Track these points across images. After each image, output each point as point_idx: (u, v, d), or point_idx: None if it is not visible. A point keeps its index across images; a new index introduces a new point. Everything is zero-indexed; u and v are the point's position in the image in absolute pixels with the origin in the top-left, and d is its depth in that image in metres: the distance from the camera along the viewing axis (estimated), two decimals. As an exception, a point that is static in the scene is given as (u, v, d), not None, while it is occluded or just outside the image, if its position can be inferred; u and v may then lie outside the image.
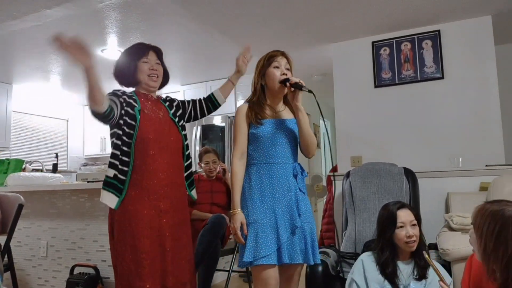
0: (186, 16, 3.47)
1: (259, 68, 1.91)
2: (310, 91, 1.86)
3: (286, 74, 1.87)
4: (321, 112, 2.09)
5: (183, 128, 2.07)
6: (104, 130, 6.78)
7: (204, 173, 3.23)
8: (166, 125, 1.96)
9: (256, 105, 1.88)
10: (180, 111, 2.10)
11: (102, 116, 1.79)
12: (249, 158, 1.86)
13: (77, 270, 2.86)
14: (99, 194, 2.87)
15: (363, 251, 2.29)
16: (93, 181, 2.85)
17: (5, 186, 3.21)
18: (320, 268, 2.16)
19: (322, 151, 7.25)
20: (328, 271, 2.23)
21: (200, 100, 2.21)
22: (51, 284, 3.09)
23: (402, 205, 2.03)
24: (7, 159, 3.70)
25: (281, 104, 1.94)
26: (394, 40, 3.82)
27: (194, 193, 2.12)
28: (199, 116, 2.20)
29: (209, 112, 2.22)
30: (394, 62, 3.81)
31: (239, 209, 1.77)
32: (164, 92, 2.14)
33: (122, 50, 4.38)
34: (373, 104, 3.85)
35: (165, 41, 3.96)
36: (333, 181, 3.14)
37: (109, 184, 1.84)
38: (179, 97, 5.52)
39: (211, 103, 2.22)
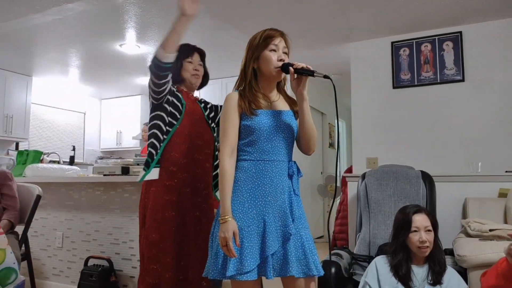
0: (203, 13, 3.47)
1: (252, 49, 1.62)
2: (326, 76, 1.58)
3: (283, 60, 1.60)
4: (336, 105, 1.82)
5: (214, 130, 2.15)
6: (120, 124, 6.86)
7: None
8: (201, 124, 2.05)
9: (248, 92, 1.60)
10: (213, 113, 2.17)
11: (161, 66, 1.80)
12: (239, 154, 1.58)
13: (91, 262, 2.90)
14: (115, 187, 2.93)
15: (377, 254, 2.27)
16: (109, 175, 2.87)
17: (24, 176, 3.27)
18: (333, 270, 2.15)
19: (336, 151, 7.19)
20: (341, 273, 2.21)
21: None
22: (65, 274, 3.14)
23: (419, 210, 2.00)
24: (26, 150, 3.77)
25: (275, 92, 1.67)
26: (414, 41, 3.77)
27: (218, 194, 2.16)
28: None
29: None
30: (413, 63, 3.75)
31: (230, 216, 1.46)
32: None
33: (140, 45, 4.44)
34: (391, 105, 3.80)
35: (183, 36, 3.97)
36: (347, 182, 3.11)
37: (145, 162, 1.93)
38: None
39: None
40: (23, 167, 3.40)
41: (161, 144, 1.91)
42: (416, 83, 3.72)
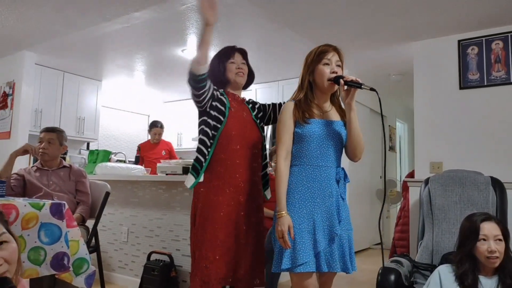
0: (263, 16, 3.52)
1: (308, 63, 1.80)
2: (372, 89, 1.72)
3: (336, 72, 1.75)
4: (381, 111, 1.92)
5: (263, 129, 2.18)
6: (181, 126, 7.13)
7: (273, 172, 3.26)
8: (249, 125, 2.07)
9: (303, 103, 1.78)
10: (261, 113, 2.19)
11: (196, 79, 1.86)
12: (292, 159, 1.77)
13: (153, 257, 3.04)
14: (177, 186, 3.06)
15: (441, 263, 2.16)
16: (171, 174, 3.00)
17: (94, 174, 3.51)
18: (392, 277, 2.07)
19: (397, 155, 6.94)
20: (401, 281, 2.13)
21: (280, 104, 2.26)
22: (130, 267, 3.33)
23: (488, 217, 1.88)
24: (96, 150, 4.05)
25: (328, 103, 1.84)
26: (483, 39, 3.54)
27: (268, 192, 2.18)
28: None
29: None
30: (483, 62, 3.52)
31: (285, 212, 1.68)
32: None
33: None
34: (457, 106, 3.59)
35: (241, 41, 4.05)
36: (409, 188, 2.99)
37: (192, 167, 1.99)
38: (251, 96, 5.64)
39: None
40: (94, 166, 3.65)
41: (209, 150, 1.95)
42: (485, 84, 3.49)
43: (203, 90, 1.93)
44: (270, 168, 3.45)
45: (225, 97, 2.04)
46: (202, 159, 1.95)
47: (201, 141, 1.99)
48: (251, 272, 1.97)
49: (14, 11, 3.52)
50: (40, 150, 2.66)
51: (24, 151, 2.46)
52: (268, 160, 3.40)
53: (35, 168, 2.71)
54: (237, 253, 1.93)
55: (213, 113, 1.98)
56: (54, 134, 2.71)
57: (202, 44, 1.86)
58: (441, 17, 3.36)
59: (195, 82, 1.89)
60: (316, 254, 1.66)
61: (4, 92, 4.77)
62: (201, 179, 1.95)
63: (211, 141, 1.96)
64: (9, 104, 4.68)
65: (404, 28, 3.62)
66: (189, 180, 1.96)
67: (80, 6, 3.40)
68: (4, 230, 1.02)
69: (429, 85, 3.77)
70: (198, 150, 1.98)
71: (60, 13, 3.55)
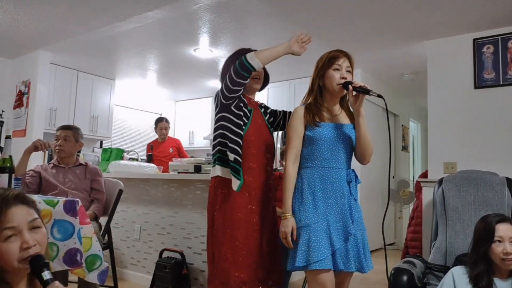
0: (274, 15, 3.51)
1: (318, 68, 1.85)
2: (380, 96, 1.75)
3: (346, 78, 1.79)
4: (387, 116, 1.92)
5: (272, 134, 2.19)
6: (193, 124, 7.16)
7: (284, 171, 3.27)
8: (264, 129, 2.08)
9: (314, 106, 1.83)
10: (272, 118, 2.19)
11: (251, 70, 1.88)
12: (303, 161, 1.82)
13: (165, 254, 3.06)
14: (188, 184, 3.07)
15: (455, 265, 2.13)
16: (182, 172, 3.02)
17: (107, 172, 3.55)
18: (405, 278, 2.05)
19: (410, 155, 6.86)
20: (414, 282, 2.11)
21: (290, 112, 2.24)
22: (142, 264, 3.36)
23: (503, 219, 1.85)
24: (110, 148, 4.09)
25: (337, 107, 1.88)
26: (499, 37, 3.48)
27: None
28: (286, 127, 2.24)
29: None
30: (498, 61, 3.46)
31: (290, 214, 1.74)
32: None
33: (213, 49, 4.61)
34: (472, 106, 3.54)
35: (252, 40, 4.06)
36: (422, 188, 2.95)
37: (232, 168, 1.89)
38: (263, 95, 5.64)
39: None
40: (107, 164, 3.69)
41: (241, 150, 1.90)
42: (501, 83, 3.43)
43: (244, 83, 1.90)
44: (281, 167, 3.46)
45: (245, 101, 2.03)
46: (241, 160, 1.88)
47: (233, 141, 1.89)
48: (271, 273, 1.98)
49: (29, 11, 3.58)
50: (57, 148, 2.71)
51: (34, 147, 2.49)
52: (279, 159, 3.42)
53: (51, 165, 2.75)
54: (257, 254, 1.93)
55: (240, 113, 1.94)
56: (70, 132, 2.75)
57: (274, 56, 1.96)
58: (455, 16, 3.31)
59: (247, 72, 1.87)
60: (332, 253, 1.69)
61: (20, 91, 4.85)
62: (243, 181, 1.88)
63: (238, 139, 1.90)
64: (24, 103, 4.76)
65: (417, 26, 3.58)
66: (234, 183, 1.88)
67: (94, 6, 3.44)
68: (37, 216, 1.13)
69: (443, 85, 3.72)
70: (233, 150, 1.88)
71: (75, 13, 3.60)
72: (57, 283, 1.06)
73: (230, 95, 1.93)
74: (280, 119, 2.21)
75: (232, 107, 1.96)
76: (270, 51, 1.94)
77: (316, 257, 1.65)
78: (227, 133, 1.93)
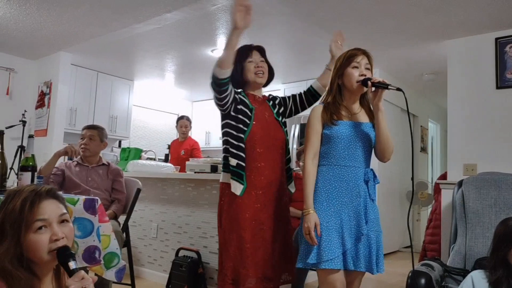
0: (292, 15, 3.50)
1: (337, 66, 1.83)
2: (399, 89, 1.74)
3: (365, 75, 1.77)
4: (408, 109, 1.90)
5: (285, 124, 2.16)
6: (210, 124, 7.20)
7: (300, 171, 3.25)
8: (272, 125, 2.06)
9: (332, 105, 1.82)
10: (282, 108, 2.17)
11: (218, 82, 1.87)
12: (320, 159, 1.81)
13: (181, 253, 3.09)
14: (205, 184, 3.10)
15: (474, 269, 2.09)
16: (199, 172, 3.04)
17: (126, 171, 3.60)
18: (423, 281, 2.02)
19: (429, 156, 6.75)
20: (432, 285, 2.08)
21: (300, 94, 2.23)
22: (158, 263, 3.40)
23: (525, 222, 1.80)
24: (128, 148, 4.16)
25: (357, 106, 1.86)
26: (523, 36, 3.39)
27: (291, 186, 2.17)
28: (300, 110, 2.24)
29: (310, 104, 2.22)
30: (522, 60, 3.37)
31: (312, 209, 1.73)
32: (265, 91, 2.22)
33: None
34: (493, 107, 3.46)
35: (270, 40, 4.06)
36: (441, 190, 2.90)
37: (234, 173, 1.94)
38: (280, 95, 5.63)
39: (311, 96, 2.22)
40: (125, 163, 3.75)
41: (245, 154, 1.94)
42: (524, 83, 3.34)
43: (225, 94, 1.91)
44: (297, 168, 3.45)
45: (247, 100, 2.03)
46: (244, 164, 1.93)
47: (235, 146, 1.95)
48: (281, 271, 1.98)
49: (51, 13, 3.67)
50: (82, 146, 2.77)
51: (65, 152, 2.57)
52: (296, 159, 3.41)
53: (75, 163, 2.82)
54: (266, 253, 1.93)
55: (239, 116, 1.97)
56: (95, 131, 2.82)
57: (227, 47, 1.85)
58: (477, 14, 3.25)
59: (217, 85, 1.89)
60: (343, 252, 1.69)
61: (42, 91, 4.97)
62: (246, 185, 1.93)
63: (241, 144, 1.95)
64: (46, 103, 4.88)
65: (437, 25, 3.52)
66: (237, 188, 1.93)
67: (114, 8, 3.50)
68: (66, 211, 1.20)
69: (464, 85, 3.65)
70: (236, 156, 1.94)
71: (95, 15, 3.67)
72: (82, 272, 1.10)
73: (223, 107, 1.97)
74: (291, 105, 2.19)
75: (232, 112, 1.98)
76: (225, 49, 1.87)
77: (327, 256, 1.66)
78: (230, 139, 1.98)
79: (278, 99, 2.20)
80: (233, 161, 1.94)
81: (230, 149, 1.97)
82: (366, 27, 3.64)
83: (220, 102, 1.95)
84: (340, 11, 3.36)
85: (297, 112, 2.24)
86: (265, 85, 2.15)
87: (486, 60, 3.54)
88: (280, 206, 2.03)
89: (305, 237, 1.71)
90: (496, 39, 3.51)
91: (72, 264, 1.11)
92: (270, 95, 2.21)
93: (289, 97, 2.22)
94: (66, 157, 3.03)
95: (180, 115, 5.09)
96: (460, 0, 3.04)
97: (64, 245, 1.12)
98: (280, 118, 2.12)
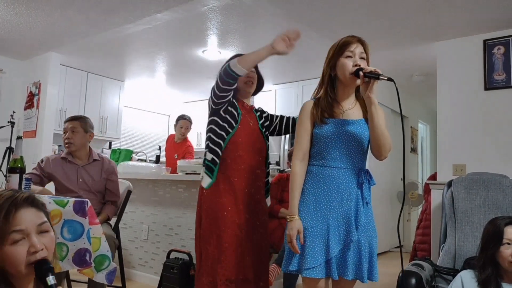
0: (283, 16, 3.51)
1: (329, 57, 1.67)
2: (390, 79, 1.55)
3: (359, 65, 1.60)
4: (399, 102, 1.65)
5: (267, 138, 2.21)
6: (201, 126, 7.18)
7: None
8: (255, 133, 2.11)
9: (323, 101, 1.66)
10: (267, 122, 2.23)
11: (235, 77, 1.91)
12: (310, 160, 1.68)
13: (173, 255, 3.07)
14: (196, 185, 3.08)
15: (463, 268, 2.11)
16: (190, 173, 3.03)
17: (116, 173, 3.57)
18: (413, 281, 2.04)
19: (419, 157, 6.81)
20: (422, 285, 2.09)
21: (288, 118, 2.28)
22: (150, 265, 3.38)
23: (512, 221, 1.83)
24: (119, 149, 4.13)
25: (351, 100, 1.70)
26: (510, 38, 3.44)
27: (268, 200, 2.21)
28: (282, 132, 2.30)
29: (294, 132, 2.24)
30: (509, 62, 3.43)
31: (297, 216, 1.59)
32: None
33: (222, 51, 4.61)
34: (482, 108, 3.51)
35: (261, 42, 4.04)
36: (431, 190, 2.93)
37: (207, 167, 2.02)
38: (271, 96, 5.64)
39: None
40: (116, 164, 3.71)
41: (222, 152, 1.99)
42: (512, 84, 3.39)
43: (230, 89, 1.96)
44: (288, 169, 3.47)
45: (237, 104, 2.08)
46: (218, 160, 1.99)
47: (214, 142, 2.01)
48: (260, 272, 2.01)
49: (40, 13, 3.63)
50: (66, 141, 2.54)
51: None
52: (287, 160, 3.42)
53: (64, 160, 2.57)
54: (243, 255, 1.95)
55: (226, 116, 2.02)
56: (76, 122, 2.57)
57: (256, 58, 1.93)
58: (465, 16, 3.29)
59: (229, 77, 1.92)
60: (327, 260, 1.57)
61: (31, 92, 4.91)
62: (215, 180, 1.99)
63: (222, 141, 2.00)
64: (35, 104, 4.82)
65: (427, 27, 3.55)
66: (206, 181, 2.01)
67: (104, 8, 3.47)
68: (46, 219, 1.12)
69: (453, 86, 3.69)
70: (212, 151, 2.01)
71: (85, 15, 3.63)
72: None
73: (218, 101, 2.01)
74: (276, 124, 2.24)
75: (221, 111, 2.03)
76: (253, 55, 1.93)
77: (308, 264, 1.54)
78: (212, 135, 2.03)
79: (266, 113, 2.25)
80: (208, 156, 2.01)
81: (210, 145, 2.02)
82: (356, 28, 3.66)
83: (222, 93, 1.97)
84: (330, 13, 3.37)
85: (279, 133, 2.28)
86: (253, 94, 2.22)
87: (475, 62, 3.58)
88: (260, 210, 2.07)
89: (288, 245, 1.60)
90: (484, 41, 3.55)
91: (50, 279, 1.04)
92: (259, 107, 2.27)
93: (277, 116, 2.27)
94: (55, 151, 2.95)
95: (180, 114, 4.72)
96: (449, 2, 3.07)
97: (42, 258, 1.05)
98: (263, 130, 2.16)
